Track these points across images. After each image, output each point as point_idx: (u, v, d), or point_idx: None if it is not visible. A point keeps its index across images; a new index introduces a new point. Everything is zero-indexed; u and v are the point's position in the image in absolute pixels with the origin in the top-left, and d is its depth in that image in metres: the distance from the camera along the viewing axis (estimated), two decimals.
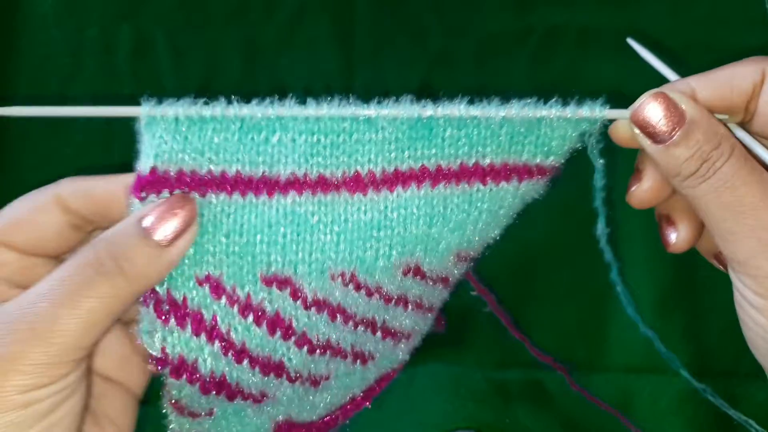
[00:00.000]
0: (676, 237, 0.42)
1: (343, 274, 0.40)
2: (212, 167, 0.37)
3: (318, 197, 0.39)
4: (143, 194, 0.37)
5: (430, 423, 0.55)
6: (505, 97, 0.39)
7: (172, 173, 0.37)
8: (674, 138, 0.36)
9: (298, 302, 0.39)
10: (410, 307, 0.43)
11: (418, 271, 0.41)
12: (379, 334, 0.43)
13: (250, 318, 0.39)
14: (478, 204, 0.40)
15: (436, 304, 0.45)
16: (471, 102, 0.39)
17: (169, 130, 0.37)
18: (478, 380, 0.57)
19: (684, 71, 0.61)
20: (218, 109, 0.37)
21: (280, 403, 0.43)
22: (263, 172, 0.38)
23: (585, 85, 0.58)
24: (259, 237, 0.38)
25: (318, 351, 0.41)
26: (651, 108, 0.37)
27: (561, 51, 0.60)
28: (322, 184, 0.39)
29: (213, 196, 0.38)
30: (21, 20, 0.60)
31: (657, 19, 0.60)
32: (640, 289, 0.57)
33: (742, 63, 0.39)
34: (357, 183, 0.39)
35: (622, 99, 0.40)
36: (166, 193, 0.37)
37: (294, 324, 0.39)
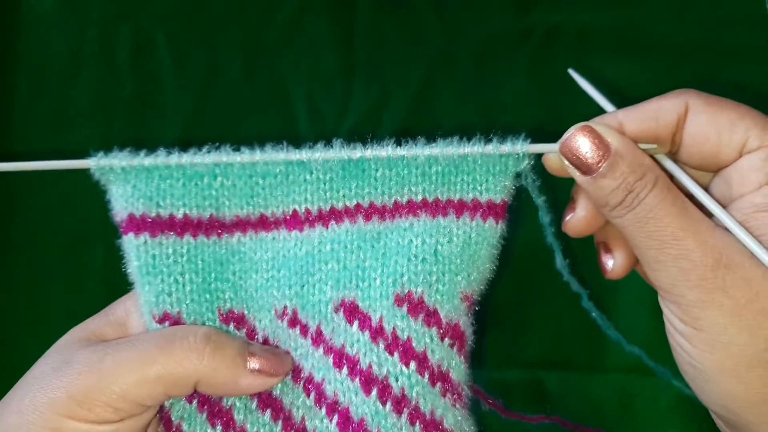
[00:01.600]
0: (613, 264, 0.43)
1: (285, 311, 0.41)
2: (161, 211, 0.40)
3: (260, 235, 0.42)
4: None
5: None
6: (432, 137, 0.40)
7: (125, 217, 0.40)
8: (600, 169, 0.38)
9: (254, 342, 0.41)
10: (345, 365, 0.40)
11: (354, 310, 0.41)
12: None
13: None
14: (414, 237, 0.41)
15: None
16: (398, 143, 0.40)
17: (120, 179, 0.40)
18: (478, 380, 0.57)
19: (684, 71, 0.61)
20: (160, 158, 0.39)
21: None
22: (210, 214, 0.41)
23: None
24: (213, 275, 0.41)
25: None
26: (578, 140, 0.38)
27: (561, 51, 0.60)
28: (263, 223, 0.42)
29: (164, 237, 0.40)
30: (21, 20, 0.60)
31: (657, 19, 0.60)
32: (636, 292, 0.57)
33: (667, 96, 0.40)
34: (295, 220, 0.42)
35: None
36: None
37: None
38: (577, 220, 0.42)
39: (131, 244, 0.40)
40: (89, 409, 0.36)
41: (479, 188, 0.41)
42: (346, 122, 0.59)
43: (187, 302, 0.40)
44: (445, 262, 0.41)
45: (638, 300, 0.57)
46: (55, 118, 0.59)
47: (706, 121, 0.39)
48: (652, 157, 0.39)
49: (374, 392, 0.39)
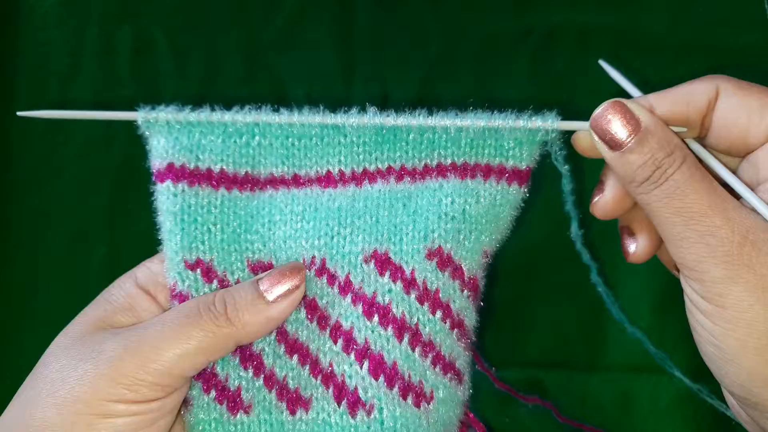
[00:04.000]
0: (636, 247, 0.44)
1: (313, 261, 0.43)
2: (199, 164, 0.42)
3: (292, 192, 0.44)
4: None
5: None
6: (464, 107, 0.42)
7: (164, 165, 0.42)
8: (630, 144, 0.38)
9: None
10: (376, 314, 0.42)
11: (385, 262, 0.43)
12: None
13: None
14: (443, 197, 0.43)
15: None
16: (430, 112, 0.42)
17: (163, 132, 0.42)
18: (478, 378, 0.57)
19: (684, 71, 0.61)
20: (203, 114, 0.42)
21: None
22: (246, 171, 0.43)
23: (585, 85, 0.58)
24: (243, 227, 0.43)
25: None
26: (609, 116, 0.39)
27: (561, 51, 0.60)
28: (296, 182, 0.44)
29: (200, 188, 0.42)
30: (21, 20, 0.60)
31: (657, 19, 0.60)
32: (638, 289, 0.57)
33: (699, 80, 0.41)
34: (328, 180, 0.44)
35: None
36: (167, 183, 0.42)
37: None
38: (605, 201, 0.43)
39: (168, 191, 0.42)
40: (136, 390, 0.37)
41: (506, 155, 0.43)
42: None
43: (218, 251, 0.42)
44: (471, 221, 0.43)
45: (640, 295, 0.57)
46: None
47: (736, 104, 0.39)
48: (681, 139, 0.40)
49: (406, 339, 0.42)
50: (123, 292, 0.42)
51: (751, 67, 0.60)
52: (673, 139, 0.39)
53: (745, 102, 0.39)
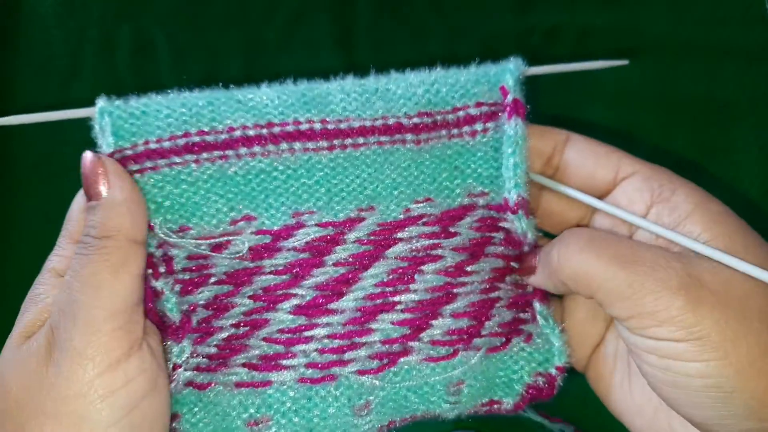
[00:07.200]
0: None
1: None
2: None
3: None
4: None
5: (431, 422, 0.55)
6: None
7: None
8: (536, 266, 0.45)
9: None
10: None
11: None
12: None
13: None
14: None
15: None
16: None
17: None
18: None
19: (684, 71, 0.61)
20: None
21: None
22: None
23: (585, 84, 0.58)
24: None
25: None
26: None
27: (561, 51, 0.60)
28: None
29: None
30: (21, 20, 0.60)
31: (657, 19, 0.60)
32: None
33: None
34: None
35: None
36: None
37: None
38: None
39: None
40: (103, 346, 0.37)
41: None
42: None
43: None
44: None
45: None
46: (48, 121, 0.59)
47: (586, 146, 0.45)
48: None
49: None
50: (46, 287, 0.42)
51: (751, 67, 0.60)
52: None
53: (592, 144, 0.45)
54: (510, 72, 0.45)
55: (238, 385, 0.44)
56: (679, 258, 0.37)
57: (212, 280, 0.44)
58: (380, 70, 0.46)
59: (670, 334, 0.35)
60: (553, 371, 0.47)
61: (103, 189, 0.40)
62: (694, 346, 0.35)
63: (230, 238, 0.44)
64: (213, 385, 0.44)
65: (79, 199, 0.43)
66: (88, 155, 0.41)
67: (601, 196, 0.44)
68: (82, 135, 0.59)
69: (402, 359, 0.45)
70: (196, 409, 0.43)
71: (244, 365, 0.44)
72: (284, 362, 0.44)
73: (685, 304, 0.35)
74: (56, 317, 0.38)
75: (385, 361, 0.44)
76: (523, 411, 0.48)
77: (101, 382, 0.36)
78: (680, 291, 0.35)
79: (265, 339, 0.44)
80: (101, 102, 0.43)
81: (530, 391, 0.46)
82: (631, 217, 0.42)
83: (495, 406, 0.46)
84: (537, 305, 0.47)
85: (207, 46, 0.60)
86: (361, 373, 0.44)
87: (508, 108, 0.45)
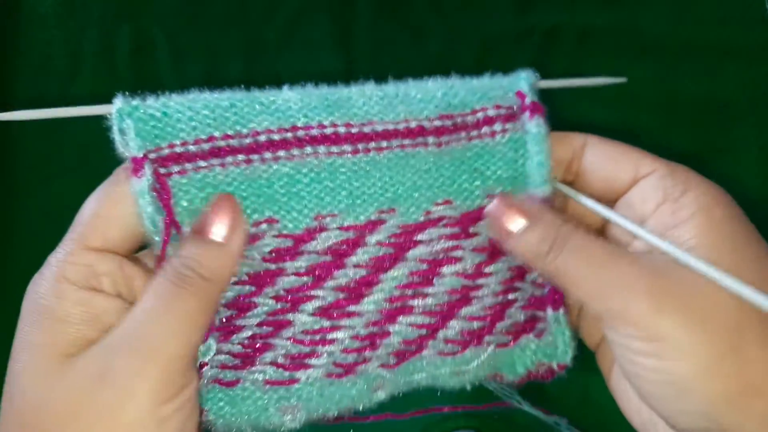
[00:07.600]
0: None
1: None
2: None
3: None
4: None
5: (431, 422, 0.55)
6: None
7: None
8: (526, 226, 0.43)
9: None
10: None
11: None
12: None
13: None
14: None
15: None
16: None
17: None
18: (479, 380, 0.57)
19: (684, 71, 0.61)
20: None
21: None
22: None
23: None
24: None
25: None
26: (498, 212, 0.44)
27: (561, 51, 0.60)
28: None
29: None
30: (21, 20, 0.60)
31: (657, 19, 0.60)
32: None
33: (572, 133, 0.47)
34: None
35: None
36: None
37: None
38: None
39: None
40: (171, 386, 0.38)
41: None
42: None
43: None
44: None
45: None
46: (55, 117, 0.59)
47: (604, 149, 0.45)
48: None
49: None
50: (71, 302, 0.39)
51: (751, 67, 0.60)
52: (557, 219, 0.42)
53: (611, 146, 0.45)
54: (524, 79, 0.46)
55: (267, 382, 0.45)
56: (652, 263, 0.40)
57: (234, 280, 0.44)
58: (380, 69, 0.46)
59: (635, 333, 0.38)
60: (555, 367, 0.49)
61: (226, 231, 0.41)
62: (655, 346, 0.38)
63: (252, 240, 0.44)
64: (240, 382, 0.45)
65: (92, 202, 0.43)
66: None
67: (622, 197, 0.45)
68: (82, 135, 0.59)
69: (417, 355, 0.47)
70: (221, 403, 0.44)
71: (272, 363, 0.45)
72: (310, 361, 0.45)
73: (649, 308, 0.38)
74: (124, 341, 0.37)
75: (403, 357, 0.47)
76: (520, 404, 0.52)
77: (160, 410, 0.37)
78: (645, 295, 0.38)
79: (290, 339, 0.45)
80: (119, 102, 0.42)
81: (531, 376, 0.50)
82: (605, 212, 0.44)
83: (498, 378, 0.50)
84: (549, 311, 0.48)
85: (207, 46, 0.60)
86: (381, 366, 0.46)
87: (528, 109, 0.45)
